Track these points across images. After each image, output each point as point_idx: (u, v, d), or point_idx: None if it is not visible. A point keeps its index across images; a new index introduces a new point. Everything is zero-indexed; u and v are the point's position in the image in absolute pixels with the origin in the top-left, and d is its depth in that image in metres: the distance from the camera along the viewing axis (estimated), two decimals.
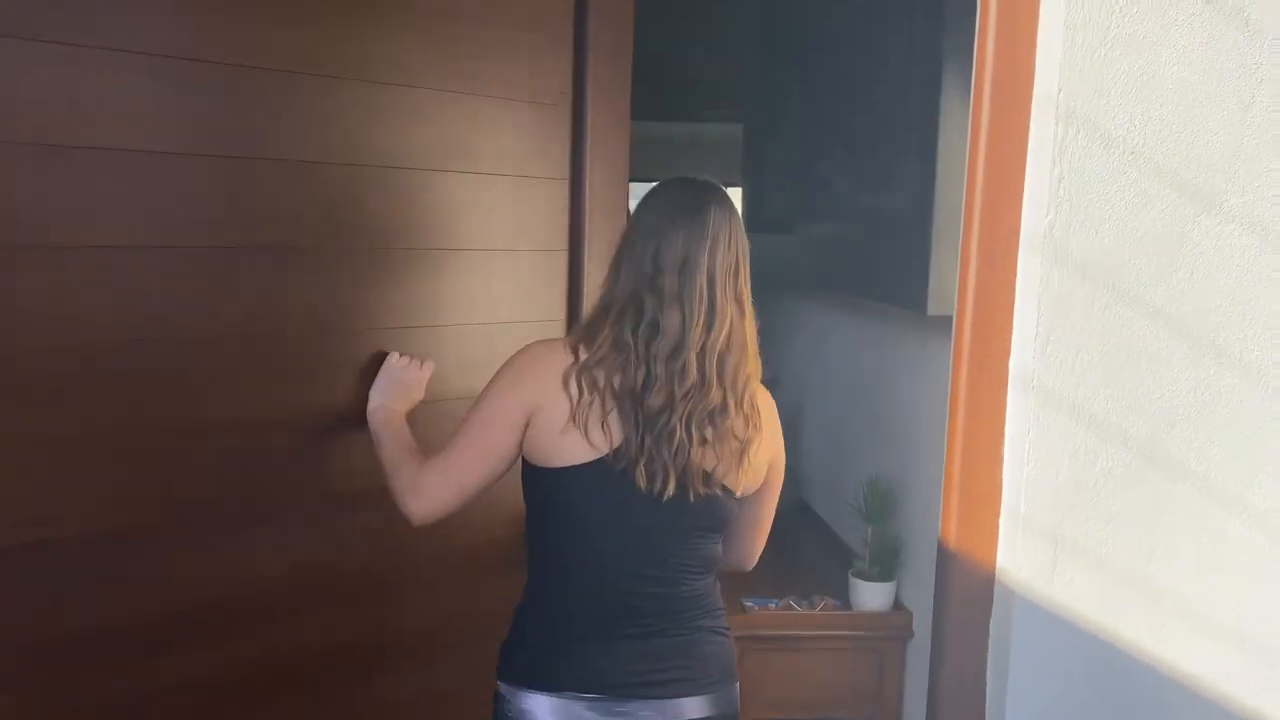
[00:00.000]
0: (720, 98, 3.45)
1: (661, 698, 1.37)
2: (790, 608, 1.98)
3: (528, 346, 1.40)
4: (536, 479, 1.37)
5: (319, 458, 1.51)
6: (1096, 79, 1.27)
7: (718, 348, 1.32)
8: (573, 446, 1.32)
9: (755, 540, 1.55)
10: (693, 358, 1.31)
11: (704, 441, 1.34)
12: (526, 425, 1.34)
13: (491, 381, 1.37)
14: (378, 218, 1.51)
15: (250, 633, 1.46)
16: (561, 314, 1.74)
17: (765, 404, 1.43)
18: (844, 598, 2.01)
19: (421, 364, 1.55)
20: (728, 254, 1.33)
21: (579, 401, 1.31)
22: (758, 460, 1.41)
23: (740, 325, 1.35)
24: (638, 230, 1.36)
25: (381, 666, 1.62)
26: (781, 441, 1.48)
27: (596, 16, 1.69)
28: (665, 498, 1.32)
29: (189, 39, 1.29)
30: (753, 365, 1.38)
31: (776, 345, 3.09)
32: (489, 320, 1.67)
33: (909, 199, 1.75)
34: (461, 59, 1.55)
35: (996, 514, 1.05)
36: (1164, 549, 1.35)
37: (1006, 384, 1.00)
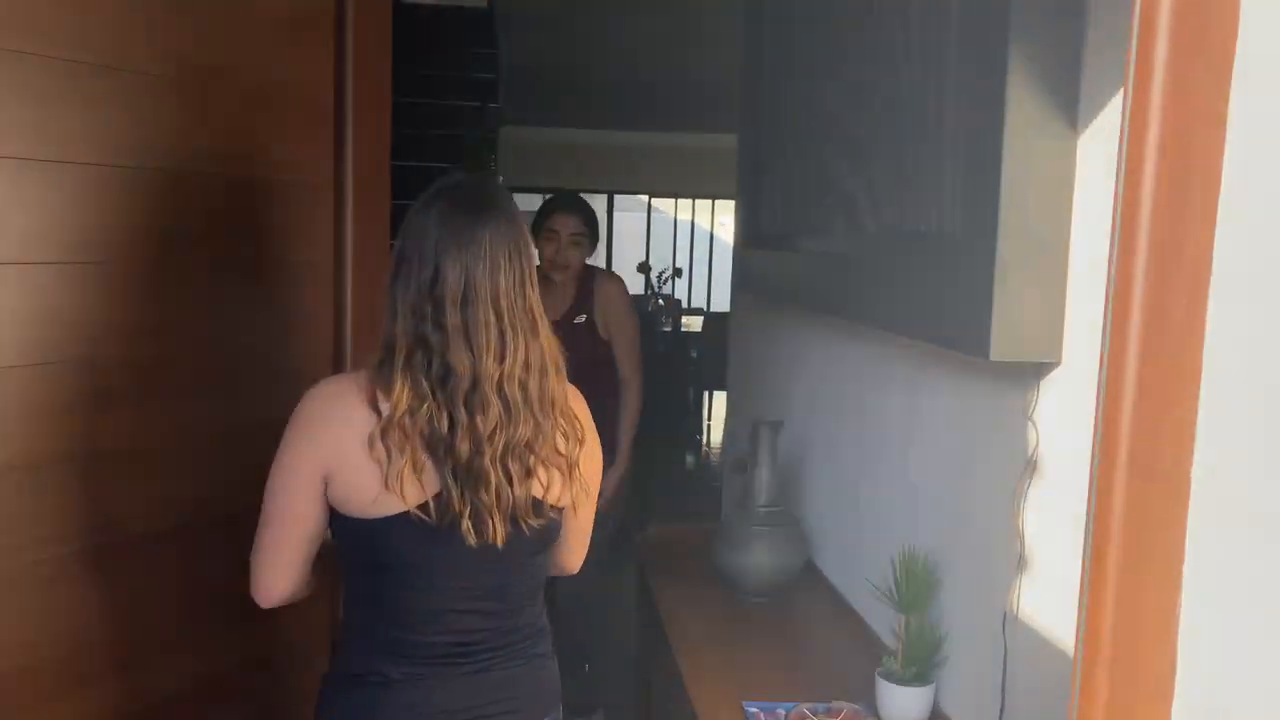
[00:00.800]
0: (714, 106, 3.19)
1: None
2: (805, 717, 1.61)
3: (314, 394, 1.31)
4: (350, 528, 1.30)
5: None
6: None
7: (516, 376, 1.27)
8: (387, 503, 1.26)
9: (582, 546, 1.51)
10: (490, 394, 1.25)
11: (527, 474, 1.29)
12: (327, 483, 1.27)
13: (282, 444, 1.29)
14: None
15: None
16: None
17: (578, 404, 1.41)
18: (869, 702, 1.64)
19: None
20: (511, 271, 1.27)
21: (390, 466, 1.24)
22: (588, 468, 1.39)
23: (535, 344, 1.29)
24: (410, 251, 1.27)
25: None
26: (596, 434, 1.44)
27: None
28: (500, 542, 1.28)
29: None
30: (557, 378, 1.33)
31: (778, 377, 2.72)
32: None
33: (958, 217, 1.38)
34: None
35: (1168, 705, 0.68)
36: None
37: (1188, 502, 0.64)
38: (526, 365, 1.28)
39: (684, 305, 10.08)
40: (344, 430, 1.26)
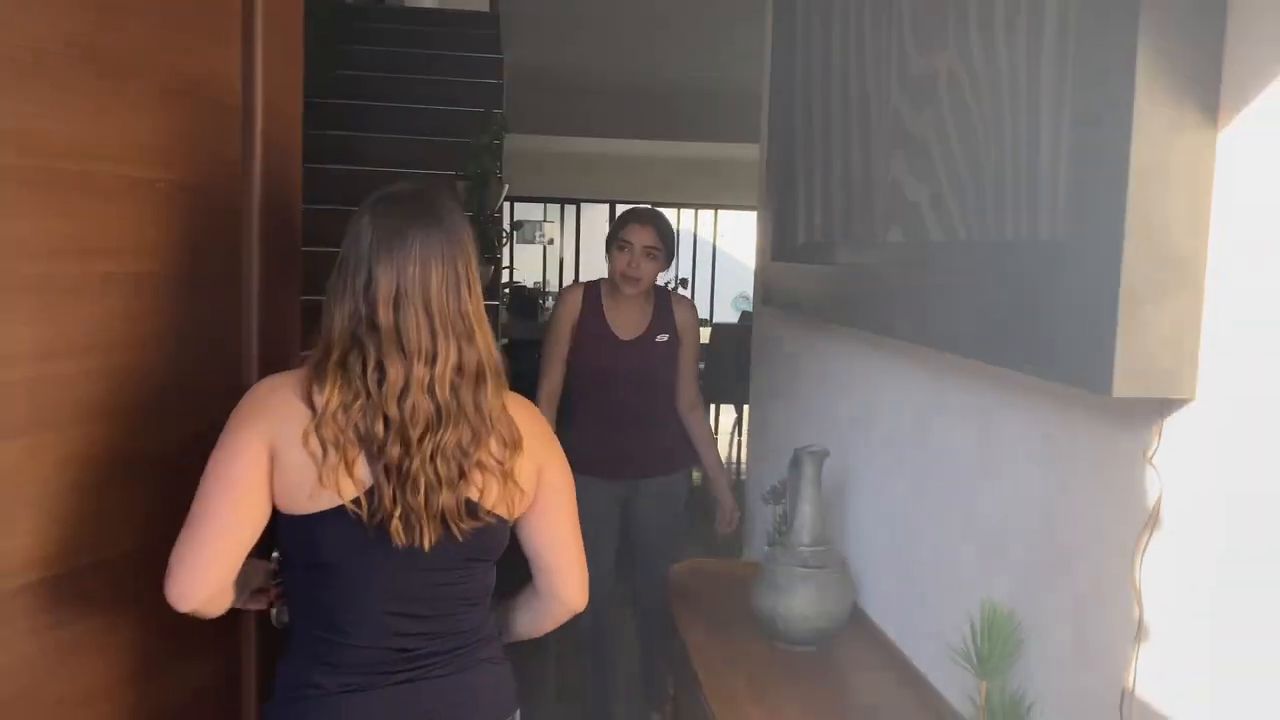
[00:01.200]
0: (721, 115, 3.05)
1: None
2: None
3: (253, 389, 1.35)
4: (289, 527, 1.32)
5: None
6: None
7: (447, 379, 1.29)
8: (322, 498, 1.28)
9: (567, 566, 1.48)
10: (421, 396, 1.28)
11: (459, 478, 1.31)
12: (269, 475, 1.28)
13: (221, 439, 1.29)
14: None
15: None
16: None
17: (522, 413, 1.41)
18: None
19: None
20: (443, 275, 1.29)
21: (325, 461, 1.27)
22: (525, 476, 1.39)
23: (471, 349, 1.31)
24: (347, 254, 1.31)
25: None
26: (554, 446, 1.46)
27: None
28: (428, 546, 1.30)
29: None
30: (495, 385, 1.34)
31: (812, 399, 2.52)
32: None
33: (1064, 224, 1.19)
34: None
35: None
36: None
37: None
38: (459, 369, 1.30)
39: None
40: (282, 423, 1.28)
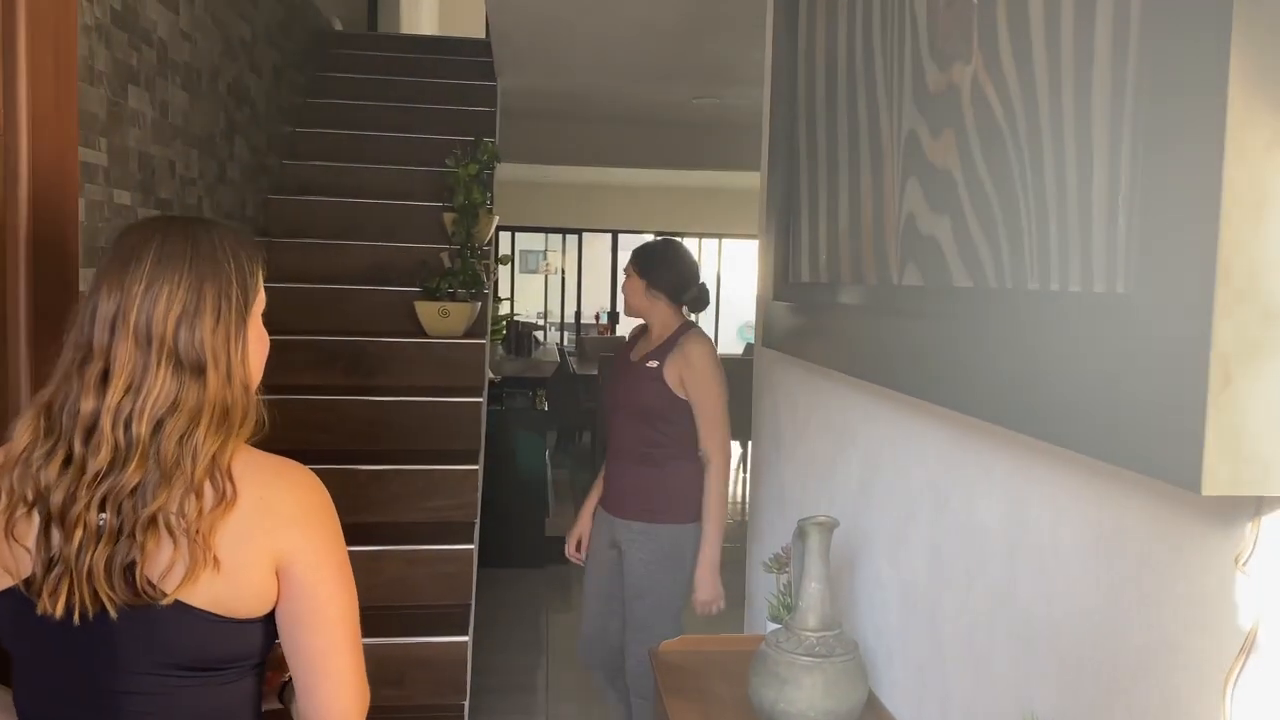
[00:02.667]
0: (722, 144, 2.90)
1: None
2: None
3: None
4: None
5: None
6: None
7: (147, 413, 1.09)
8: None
9: (328, 691, 1.15)
10: (109, 429, 1.08)
11: (123, 534, 1.07)
12: None
13: None
14: None
15: None
16: None
17: (278, 482, 1.16)
18: None
19: None
20: (179, 299, 1.12)
21: (10, 516, 1.09)
22: (242, 558, 1.09)
23: (196, 384, 1.12)
24: (92, 284, 1.15)
25: None
26: (317, 532, 1.15)
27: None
28: (76, 618, 1.06)
29: None
30: (220, 429, 1.12)
31: (816, 456, 2.28)
32: None
33: (1127, 274, 0.95)
34: None
35: None
36: None
37: None
38: (173, 406, 1.11)
39: None
40: None
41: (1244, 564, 0.92)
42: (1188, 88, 0.84)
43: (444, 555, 3.37)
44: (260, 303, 1.24)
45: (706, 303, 2.98)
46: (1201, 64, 0.82)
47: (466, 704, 3.17)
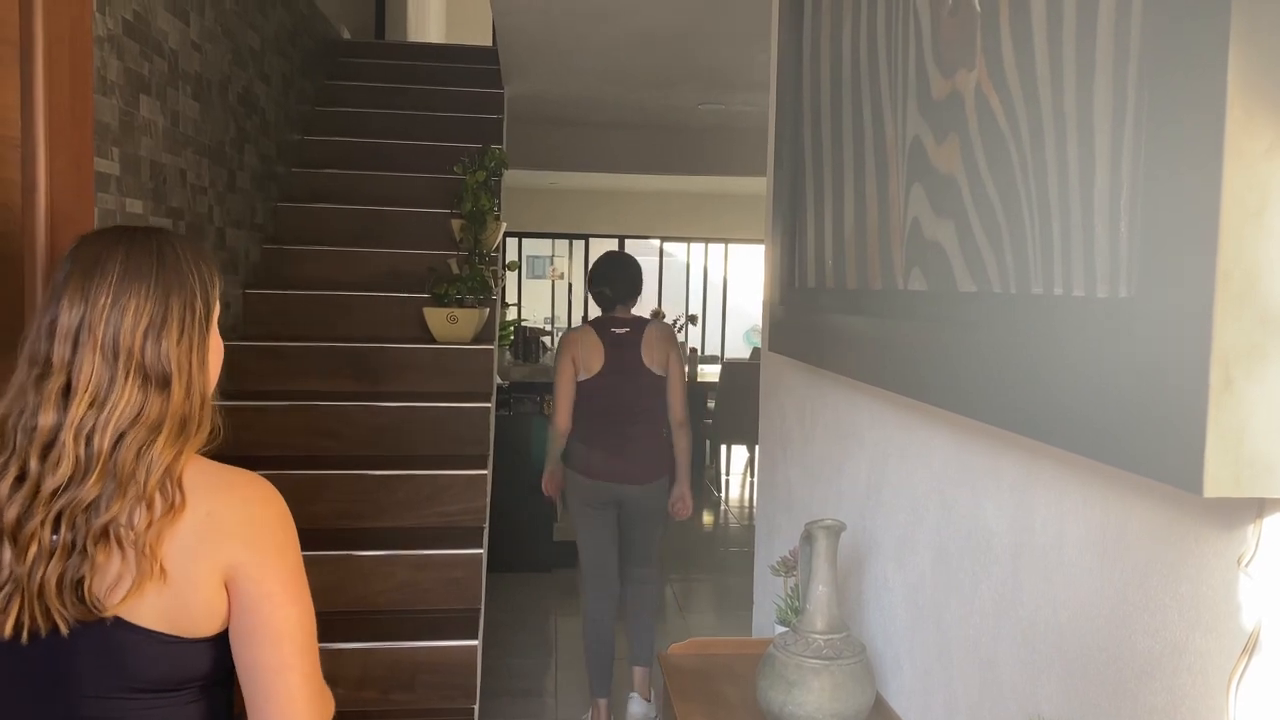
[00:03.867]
0: (729, 149, 2.90)
1: None
2: None
3: None
4: None
5: None
6: None
7: (111, 427, 1.08)
8: None
9: (272, 707, 1.11)
10: (70, 444, 1.06)
11: (75, 549, 1.05)
12: None
13: None
14: None
15: None
16: None
17: (227, 494, 1.13)
18: None
19: None
20: (146, 311, 1.11)
21: None
22: (195, 568, 1.08)
23: (160, 397, 1.10)
24: (48, 294, 1.13)
25: None
26: (268, 547, 1.12)
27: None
28: (25, 637, 1.04)
29: None
30: (175, 438, 1.10)
31: (824, 458, 2.29)
32: None
33: (1128, 277, 0.96)
34: None
35: None
36: None
37: None
38: (135, 420, 1.09)
39: (699, 353, 9.67)
40: None
41: (1246, 565, 0.93)
42: (1188, 94, 0.85)
43: (453, 560, 3.38)
44: (218, 312, 1.23)
45: (600, 303, 3.69)
46: (1201, 70, 0.83)
47: (476, 707, 3.18)
